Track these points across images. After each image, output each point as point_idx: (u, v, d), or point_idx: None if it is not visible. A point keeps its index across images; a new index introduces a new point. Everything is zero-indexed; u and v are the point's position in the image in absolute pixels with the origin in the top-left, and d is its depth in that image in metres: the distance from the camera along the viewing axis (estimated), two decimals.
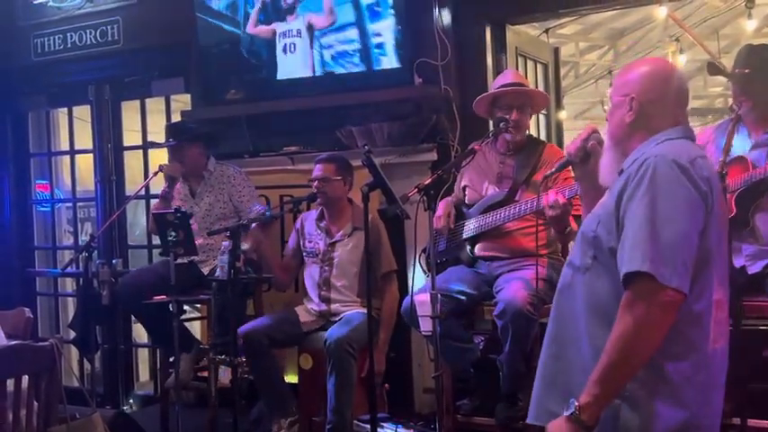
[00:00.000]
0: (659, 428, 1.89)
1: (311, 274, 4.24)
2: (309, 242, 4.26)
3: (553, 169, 2.60)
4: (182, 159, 4.55)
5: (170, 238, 3.82)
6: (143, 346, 5.88)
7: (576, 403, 1.86)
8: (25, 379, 2.95)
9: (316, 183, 4.11)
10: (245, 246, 3.96)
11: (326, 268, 4.17)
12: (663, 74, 2.10)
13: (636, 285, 1.84)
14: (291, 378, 4.35)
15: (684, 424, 1.90)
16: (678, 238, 1.85)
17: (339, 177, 4.11)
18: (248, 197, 4.54)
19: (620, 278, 1.87)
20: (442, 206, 3.86)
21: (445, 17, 4.54)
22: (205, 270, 4.44)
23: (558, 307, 2.09)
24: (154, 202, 4.85)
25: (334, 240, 4.18)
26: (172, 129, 4.71)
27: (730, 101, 3.49)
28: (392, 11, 4.44)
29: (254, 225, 4.09)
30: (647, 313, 1.82)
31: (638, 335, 1.82)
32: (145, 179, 5.38)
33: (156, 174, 4.70)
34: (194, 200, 4.57)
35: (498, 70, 4.51)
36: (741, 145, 3.38)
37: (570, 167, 2.47)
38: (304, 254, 4.28)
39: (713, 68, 3.89)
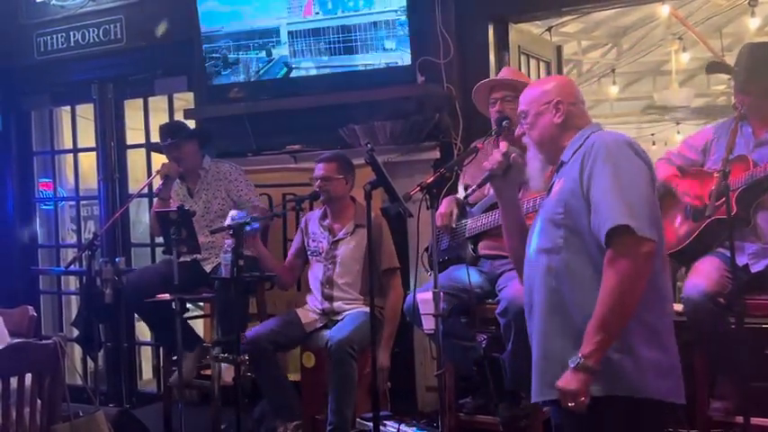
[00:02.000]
0: (649, 368, 2.15)
1: (315, 273, 4.24)
2: (313, 241, 4.27)
3: (474, 186, 2.75)
4: (179, 158, 4.56)
5: (173, 237, 3.82)
6: (146, 344, 5.89)
7: (580, 354, 2.10)
8: (29, 377, 2.96)
9: (318, 182, 4.12)
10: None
11: (330, 266, 4.18)
12: (570, 82, 2.52)
13: (618, 241, 2.10)
14: (294, 376, 4.35)
15: (669, 363, 2.20)
16: (643, 197, 2.15)
17: (341, 176, 4.11)
18: (246, 190, 4.54)
19: (603, 239, 2.12)
20: (445, 204, 3.86)
21: (448, 15, 4.54)
22: (207, 268, 4.45)
23: (540, 292, 2.31)
24: (155, 200, 4.85)
25: (336, 238, 4.19)
26: (166, 129, 4.70)
27: (733, 99, 3.48)
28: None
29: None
30: (633, 263, 2.09)
31: (628, 283, 2.09)
32: (147, 177, 5.39)
33: (158, 172, 4.70)
34: (192, 199, 4.58)
35: (501, 68, 4.51)
36: (744, 143, 3.38)
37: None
38: (309, 253, 4.28)
39: (713, 67, 3.90)
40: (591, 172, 2.19)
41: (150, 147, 5.36)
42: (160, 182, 4.52)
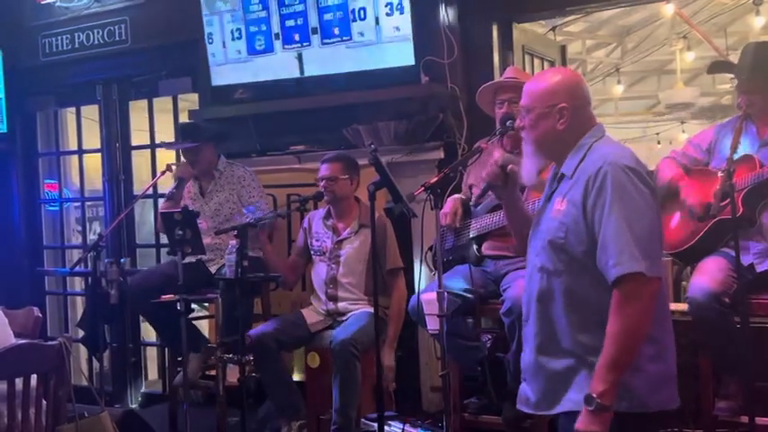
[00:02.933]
0: (655, 382, 2.19)
1: (318, 273, 4.24)
2: (317, 240, 4.27)
3: (475, 197, 2.75)
4: (195, 160, 4.57)
5: (177, 237, 3.83)
6: (151, 344, 5.90)
7: (594, 395, 2.09)
8: (34, 378, 2.96)
9: (323, 182, 4.12)
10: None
11: (333, 266, 4.18)
12: (579, 81, 2.38)
13: (628, 284, 2.10)
14: (299, 376, 4.36)
15: (668, 374, 2.23)
16: (650, 234, 2.15)
17: (346, 176, 4.12)
18: (257, 198, 4.55)
19: (610, 281, 2.12)
20: (450, 203, 3.86)
21: (452, 15, 4.54)
22: (213, 269, 4.46)
23: (541, 309, 2.30)
24: (162, 201, 4.86)
25: (341, 238, 4.19)
26: (185, 129, 4.70)
27: (738, 98, 3.47)
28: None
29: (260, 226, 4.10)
30: (643, 305, 2.11)
31: (638, 323, 2.10)
32: (152, 178, 5.40)
33: (163, 173, 4.72)
34: (204, 199, 4.59)
35: (505, 68, 4.50)
36: (749, 143, 3.37)
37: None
38: (312, 252, 4.29)
39: (715, 67, 3.88)
40: (596, 201, 2.16)
41: (164, 145, 5.33)
42: (173, 183, 4.52)
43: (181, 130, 4.73)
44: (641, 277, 2.09)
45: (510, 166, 2.47)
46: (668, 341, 2.25)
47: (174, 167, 4.77)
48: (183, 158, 4.78)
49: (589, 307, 2.20)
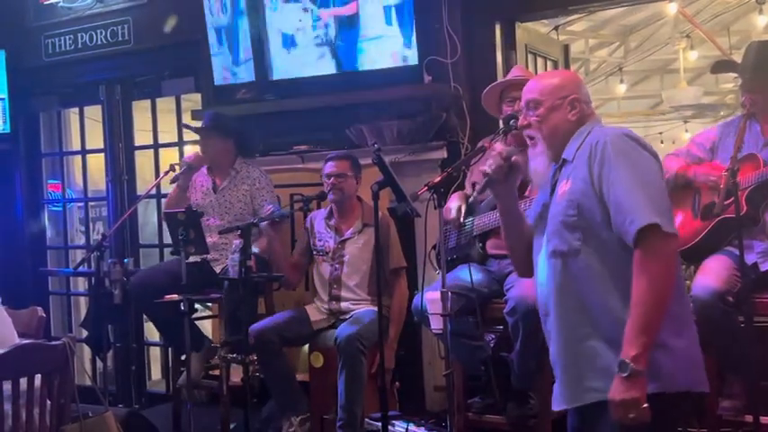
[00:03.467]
0: (681, 359, 2.14)
1: (321, 273, 4.24)
2: (319, 241, 4.27)
3: (474, 193, 2.63)
4: (206, 148, 4.56)
5: (180, 237, 3.83)
6: (155, 344, 5.90)
7: (627, 360, 2.02)
8: (38, 378, 2.97)
9: (331, 179, 4.11)
10: (255, 249, 3.96)
11: (337, 266, 4.18)
12: (579, 77, 2.50)
13: (646, 240, 2.06)
14: (302, 376, 4.36)
15: (694, 353, 2.19)
16: (661, 192, 2.15)
17: (352, 174, 4.13)
18: (269, 200, 4.54)
19: (630, 239, 2.07)
20: (454, 199, 3.86)
21: (455, 15, 4.54)
22: (218, 268, 4.45)
23: (561, 297, 2.24)
24: (165, 200, 4.85)
25: (344, 238, 4.19)
26: (210, 115, 4.68)
27: (741, 97, 3.47)
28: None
29: (265, 224, 4.10)
30: (665, 261, 2.07)
31: (661, 281, 2.06)
32: (156, 178, 5.40)
33: (166, 173, 4.71)
34: (215, 195, 4.58)
35: (508, 68, 4.50)
36: (753, 142, 3.37)
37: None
38: (314, 252, 4.29)
39: (718, 67, 3.87)
40: (602, 170, 2.15)
41: (185, 126, 5.28)
42: (181, 168, 4.50)
43: (206, 115, 4.71)
44: (659, 231, 2.05)
45: (514, 158, 2.40)
46: (687, 317, 2.22)
47: (177, 167, 4.78)
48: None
49: (613, 283, 2.15)
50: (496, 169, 2.41)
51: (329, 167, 4.14)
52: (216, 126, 4.57)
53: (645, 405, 2.02)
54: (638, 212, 2.07)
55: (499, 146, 2.44)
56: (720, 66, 4.29)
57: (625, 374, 2.02)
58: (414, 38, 4.44)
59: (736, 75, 3.62)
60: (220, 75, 5.12)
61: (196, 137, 4.83)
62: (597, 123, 2.35)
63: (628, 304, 2.07)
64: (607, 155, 2.15)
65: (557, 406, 2.33)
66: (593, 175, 2.17)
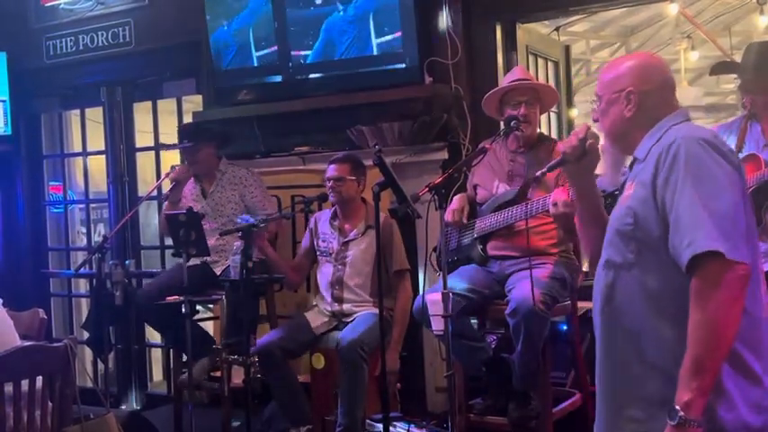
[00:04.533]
0: (742, 406, 1.85)
1: (324, 274, 4.24)
2: (323, 241, 4.27)
3: (544, 169, 2.50)
4: (195, 160, 4.58)
5: (182, 239, 3.83)
6: (156, 346, 5.90)
7: (678, 407, 1.78)
8: (39, 379, 2.97)
9: (330, 183, 4.12)
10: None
11: (340, 267, 4.18)
12: (652, 64, 2.14)
13: (706, 269, 1.79)
14: (304, 377, 4.35)
15: (763, 393, 1.87)
16: (731, 210, 1.84)
17: (353, 177, 4.12)
18: (260, 197, 4.55)
19: (683, 264, 1.82)
20: (457, 200, 3.87)
21: (455, 16, 4.54)
22: (218, 270, 4.45)
23: (608, 312, 2.01)
24: (166, 203, 4.85)
25: (347, 239, 4.19)
26: (186, 130, 4.73)
27: (742, 98, 3.46)
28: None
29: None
30: (727, 292, 1.78)
31: (723, 316, 1.78)
32: (157, 180, 5.40)
33: (167, 174, 4.71)
34: (206, 200, 4.59)
35: (509, 68, 4.50)
36: (754, 142, 3.36)
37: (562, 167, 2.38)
38: (318, 253, 4.29)
39: (717, 68, 3.86)
40: (667, 178, 1.88)
41: (163, 146, 5.34)
42: (170, 185, 4.53)
43: (181, 131, 4.74)
44: (721, 259, 1.77)
45: (590, 141, 2.18)
46: (759, 356, 1.87)
47: (171, 172, 4.79)
48: (183, 161, 4.77)
49: (665, 307, 1.89)
50: (569, 149, 2.21)
51: (329, 171, 4.14)
52: (200, 137, 4.58)
53: None
54: (698, 235, 1.79)
55: (585, 125, 2.24)
56: (720, 67, 4.29)
57: (674, 423, 1.78)
58: (415, 39, 4.44)
59: (736, 76, 3.62)
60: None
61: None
62: (678, 119, 2.06)
63: (682, 334, 1.82)
64: (677, 162, 1.87)
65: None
66: (658, 183, 1.90)
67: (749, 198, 1.96)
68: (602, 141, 2.18)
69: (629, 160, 2.14)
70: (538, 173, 2.63)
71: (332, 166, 4.15)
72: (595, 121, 2.18)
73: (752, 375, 1.86)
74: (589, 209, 2.25)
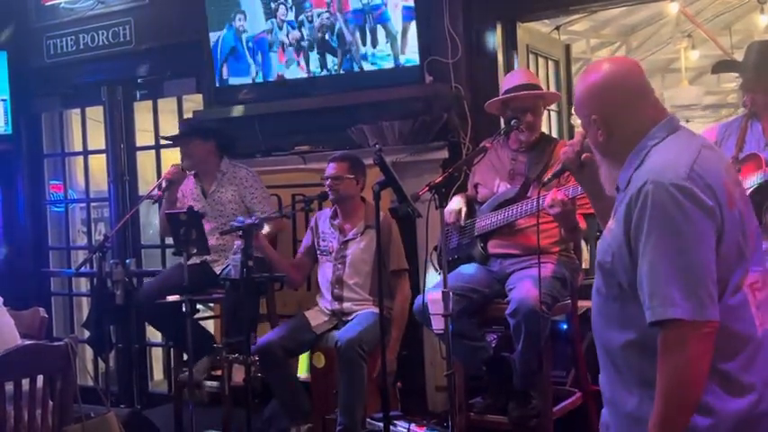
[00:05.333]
0: (731, 422, 1.83)
1: (324, 273, 4.24)
2: (323, 240, 4.27)
3: (550, 176, 2.51)
4: (189, 155, 4.58)
5: (182, 238, 3.83)
6: (157, 345, 5.91)
7: None
8: (40, 378, 2.96)
9: (328, 181, 4.12)
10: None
11: (339, 266, 4.18)
12: (614, 81, 1.98)
13: (667, 332, 1.78)
14: (304, 376, 4.36)
15: (750, 408, 1.85)
16: (695, 269, 1.78)
17: (352, 176, 4.12)
18: (260, 198, 4.55)
19: (648, 322, 1.81)
20: (455, 201, 3.87)
21: (456, 15, 4.54)
22: (217, 269, 4.46)
23: (600, 334, 2.03)
24: (164, 202, 4.85)
25: (347, 239, 4.19)
26: (183, 125, 4.73)
27: (743, 96, 3.46)
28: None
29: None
30: (688, 356, 1.77)
31: (685, 376, 1.78)
32: (157, 179, 5.40)
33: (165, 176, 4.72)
34: (206, 200, 4.59)
35: (509, 68, 4.51)
36: (755, 141, 3.36)
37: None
38: (318, 252, 4.29)
39: (719, 67, 3.86)
40: (638, 226, 1.83)
41: (161, 138, 5.32)
42: (164, 184, 4.53)
43: (181, 126, 4.75)
44: (682, 324, 1.75)
45: (585, 155, 2.17)
46: (752, 375, 1.86)
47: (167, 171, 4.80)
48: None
49: (642, 344, 1.87)
50: (566, 160, 2.22)
51: (327, 169, 4.15)
52: (193, 130, 4.59)
53: None
54: (656, 299, 1.77)
55: (579, 135, 2.21)
56: (721, 66, 4.29)
57: None
58: (415, 38, 4.44)
59: (737, 75, 3.62)
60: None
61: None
62: (658, 137, 1.94)
63: (654, 367, 1.82)
64: (645, 211, 1.81)
65: None
66: (631, 228, 1.86)
67: (737, 224, 1.89)
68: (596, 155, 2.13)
69: None
70: (544, 178, 2.63)
71: (330, 164, 4.15)
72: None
73: (733, 384, 1.85)
74: (605, 209, 2.17)
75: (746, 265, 1.91)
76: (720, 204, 1.83)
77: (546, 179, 2.58)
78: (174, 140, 4.72)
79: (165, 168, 4.99)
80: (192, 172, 4.69)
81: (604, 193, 2.15)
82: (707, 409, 1.81)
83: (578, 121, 2.17)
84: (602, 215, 2.22)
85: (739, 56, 3.65)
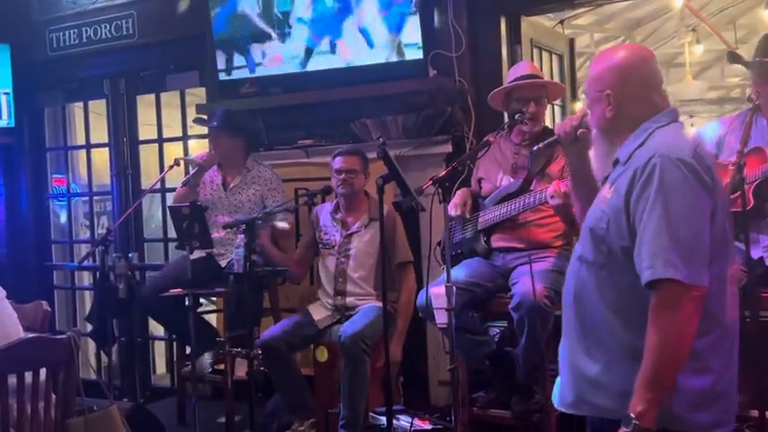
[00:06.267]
0: (691, 400, 1.96)
1: (327, 266, 4.24)
2: (325, 234, 4.27)
3: (541, 145, 2.58)
4: (217, 146, 4.58)
5: (185, 232, 3.83)
6: (160, 338, 5.92)
7: (632, 415, 1.90)
8: (43, 372, 2.97)
9: (342, 175, 4.11)
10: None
11: (343, 260, 4.17)
12: (634, 63, 2.14)
13: (663, 291, 1.90)
14: (307, 371, 4.36)
15: (711, 389, 1.99)
16: (694, 238, 1.93)
17: (362, 169, 4.12)
18: (281, 203, 4.52)
19: (643, 282, 1.92)
20: (459, 195, 3.86)
21: (459, 9, 4.52)
22: (223, 263, 4.45)
23: (577, 304, 2.13)
24: (170, 195, 4.84)
25: (350, 232, 4.18)
26: (221, 112, 4.69)
27: (748, 91, 3.46)
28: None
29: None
30: (681, 314, 1.90)
31: (676, 335, 1.90)
32: (160, 173, 5.40)
33: (171, 167, 4.71)
34: (225, 192, 4.58)
35: (513, 62, 4.49)
36: (760, 135, 3.35)
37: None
38: (320, 246, 4.28)
39: (733, 57, 3.84)
40: (640, 196, 1.97)
41: (195, 120, 5.28)
42: (193, 170, 4.52)
43: (218, 112, 4.72)
44: (677, 284, 1.89)
45: (582, 130, 2.27)
46: (709, 348, 1.99)
47: (181, 162, 4.78)
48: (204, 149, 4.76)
49: (629, 306, 2.00)
50: (563, 132, 2.32)
51: (339, 162, 4.13)
52: (227, 124, 4.58)
53: None
54: (658, 260, 1.90)
55: (582, 109, 2.30)
56: (734, 56, 4.25)
57: (628, 430, 1.90)
58: (419, 32, 4.42)
59: (746, 68, 3.61)
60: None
61: (201, 131, 4.81)
62: (663, 121, 2.10)
63: (635, 334, 1.96)
64: (651, 182, 1.95)
65: (556, 402, 2.24)
66: (631, 199, 1.99)
67: (724, 212, 2.04)
68: (592, 132, 2.24)
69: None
70: (534, 147, 2.69)
71: (342, 157, 4.13)
72: (590, 112, 2.23)
73: (698, 365, 1.97)
74: (583, 185, 2.35)
75: (730, 252, 2.07)
76: (716, 187, 2.00)
77: (536, 147, 2.63)
78: (206, 125, 4.69)
79: (168, 162, 4.98)
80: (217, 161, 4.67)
81: (588, 169, 2.31)
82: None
83: (580, 106, 2.22)
84: (577, 190, 2.39)
85: (743, 50, 3.64)
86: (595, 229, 2.08)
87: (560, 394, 2.19)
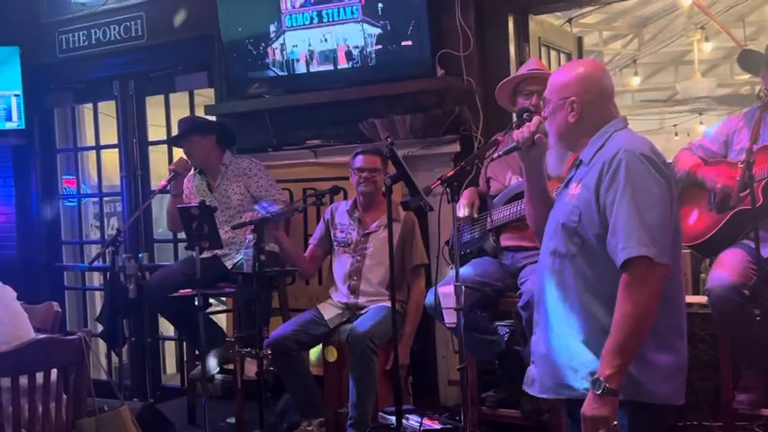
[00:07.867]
0: (659, 373, 2.19)
1: (342, 264, 4.23)
2: (341, 232, 4.26)
3: (500, 152, 2.70)
4: (189, 152, 4.59)
5: (194, 232, 3.84)
6: (170, 339, 5.93)
7: (602, 378, 2.10)
8: (54, 372, 2.98)
9: (365, 173, 4.10)
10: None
11: (359, 258, 4.17)
12: (596, 75, 2.39)
13: (635, 268, 2.12)
14: (316, 370, 4.36)
15: (677, 365, 2.23)
16: (660, 222, 2.15)
17: (383, 168, 4.12)
18: (266, 185, 4.54)
19: (618, 263, 2.14)
20: (467, 195, 3.86)
21: (467, 8, 4.52)
22: (228, 264, 4.46)
23: (552, 294, 2.33)
24: (170, 197, 4.84)
25: (368, 231, 4.18)
26: (181, 122, 4.74)
27: (757, 88, 3.44)
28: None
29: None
30: (650, 289, 2.12)
31: (645, 307, 2.11)
32: (169, 174, 5.41)
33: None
34: (213, 194, 4.59)
35: (521, 61, 4.49)
36: None
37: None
38: (335, 244, 4.28)
39: (745, 59, 3.82)
40: (609, 188, 2.19)
41: (168, 140, 5.36)
42: (168, 176, 4.55)
43: (179, 123, 4.76)
44: (649, 262, 2.10)
45: (538, 135, 2.44)
46: (673, 329, 2.24)
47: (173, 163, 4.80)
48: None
49: (600, 292, 2.21)
50: (521, 138, 2.47)
51: (362, 161, 4.12)
52: (195, 127, 4.59)
53: (615, 423, 2.09)
54: (630, 241, 2.12)
55: (537, 119, 2.48)
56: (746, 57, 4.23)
57: (598, 392, 2.09)
58: (427, 31, 4.42)
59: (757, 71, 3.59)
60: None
61: None
62: (618, 126, 2.34)
63: (610, 313, 2.14)
64: (618, 174, 2.17)
65: (530, 389, 2.40)
66: (601, 191, 2.21)
67: (678, 206, 2.29)
68: (549, 137, 2.43)
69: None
70: (495, 155, 2.87)
71: (364, 156, 4.12)
72: (544, 118, 2.44)
73: (665, 343, 2.21)
74: (536, 189, 2.54)
75: (680, 244, 2.30)
76: (672, 181, 2.24)
77: (495, 156, 2.81)
78: (175, 141, 4.74)
79: None
80: (198, 169, 4.69)
81: (542, 173, 2.52)
82: (641, 357, 2.15)
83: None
84: (531, 193, 2.56)
85: (753, 47, 3.62)
86: (567, 223, 2.28)
87: (539, 382, 2.37)
